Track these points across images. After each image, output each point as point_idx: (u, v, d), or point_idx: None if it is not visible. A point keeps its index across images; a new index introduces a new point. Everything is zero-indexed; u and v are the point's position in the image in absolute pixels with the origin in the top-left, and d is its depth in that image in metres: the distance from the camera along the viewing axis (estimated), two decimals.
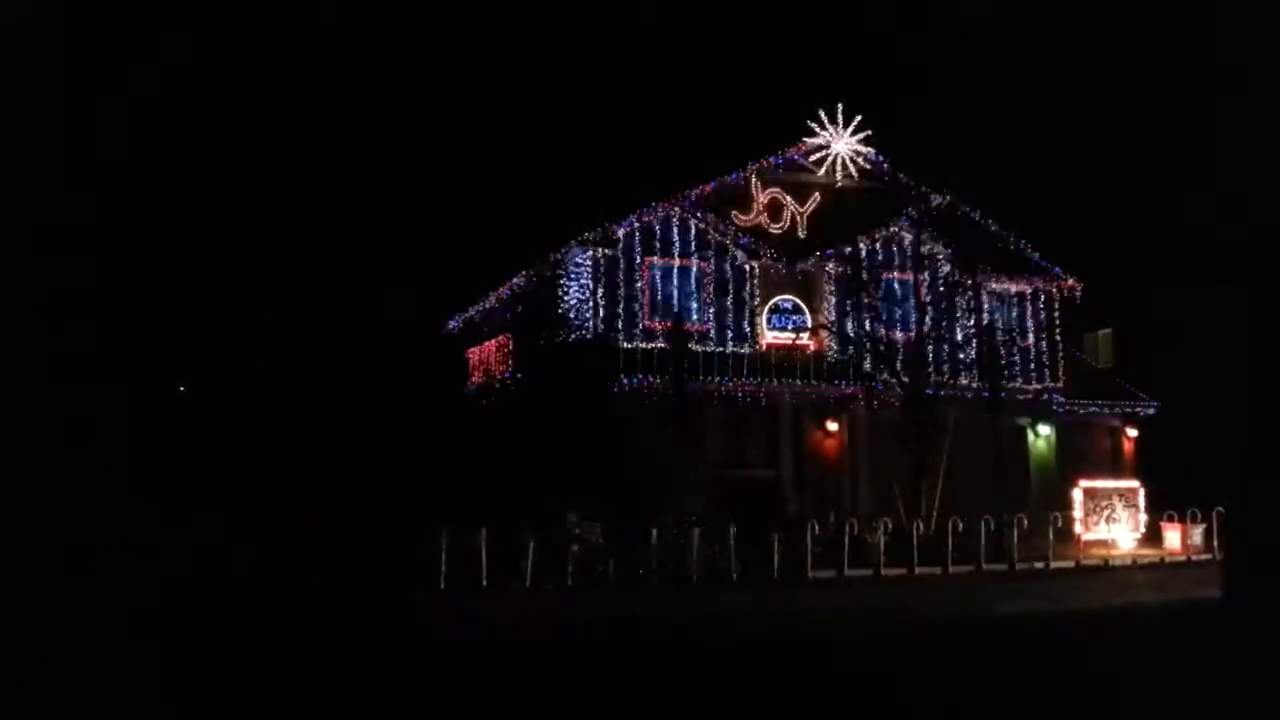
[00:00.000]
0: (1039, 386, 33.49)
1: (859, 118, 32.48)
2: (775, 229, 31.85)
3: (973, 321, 32.45)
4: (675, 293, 30.45)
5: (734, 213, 31.38)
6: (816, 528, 23.96)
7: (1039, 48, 27.15)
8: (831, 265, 31.46)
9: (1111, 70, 27.07)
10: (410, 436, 25.55)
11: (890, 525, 25.83)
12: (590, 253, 29.61)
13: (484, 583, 20.59)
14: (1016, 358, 32.94)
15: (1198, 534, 27.31)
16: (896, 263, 31.88)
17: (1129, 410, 34.57)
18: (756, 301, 31.22)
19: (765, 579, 22.18)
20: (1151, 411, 34.43)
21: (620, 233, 29.93)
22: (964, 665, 12.47)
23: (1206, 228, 26.23)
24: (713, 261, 30.90)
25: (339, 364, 27.36)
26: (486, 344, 33.16)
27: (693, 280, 30.66)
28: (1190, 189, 27.35)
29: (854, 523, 25.28)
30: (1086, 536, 28.18)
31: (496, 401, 27.87)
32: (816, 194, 32.42)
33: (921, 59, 28.07)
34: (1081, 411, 34.07)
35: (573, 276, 29.68)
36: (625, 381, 27.77)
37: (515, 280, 32.14)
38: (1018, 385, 32.71)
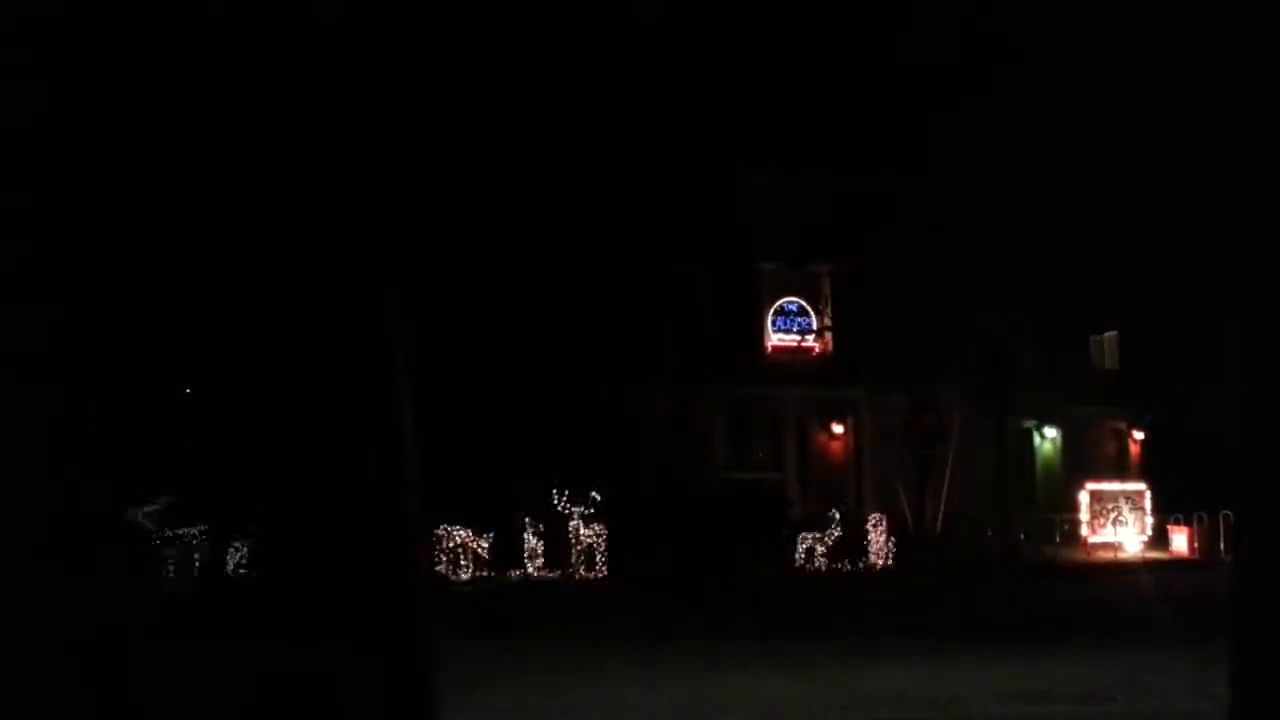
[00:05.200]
0: (1045, 389, 33.39)
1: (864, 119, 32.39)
2: (781, 230, 31.75)
3: (978, 323, 32.32)
4: (681, 295, 30.37)
5: (739, 214, 31.30)
6: (824, 530, 23.95)
7: (1043, 47, 27.06)
8: (836, 267, 31.41)
9: (1116, 69, 26.99)
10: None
11: (895, 527, 25.84)
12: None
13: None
14: (1022, 360, 32.83)
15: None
16: (901, 263, 31.78)
17: (1135, 412, 34.45)
18: (762, 303, 31.17)
19: (768, 580, 22.18)
20: (1158, 414, 34.31)
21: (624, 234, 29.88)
22: None
23: (1213, 229, 26.14)
24: (719, 264, 30.81)
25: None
26: None
27: (698, 282, 30.58)
28: (1198, 190, 27.28)
29: (858, 522, 25.26)
30: (1093, 539, 28.12)
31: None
32: (822, 195, 32.34)
33: (926, 56, 27.95)
34: (1088, 414, 33.95)
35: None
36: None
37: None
38: (1023, 388, 32.61)
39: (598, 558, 22.22)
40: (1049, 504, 30.90)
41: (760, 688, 10.70)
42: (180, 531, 21.21)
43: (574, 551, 22.21)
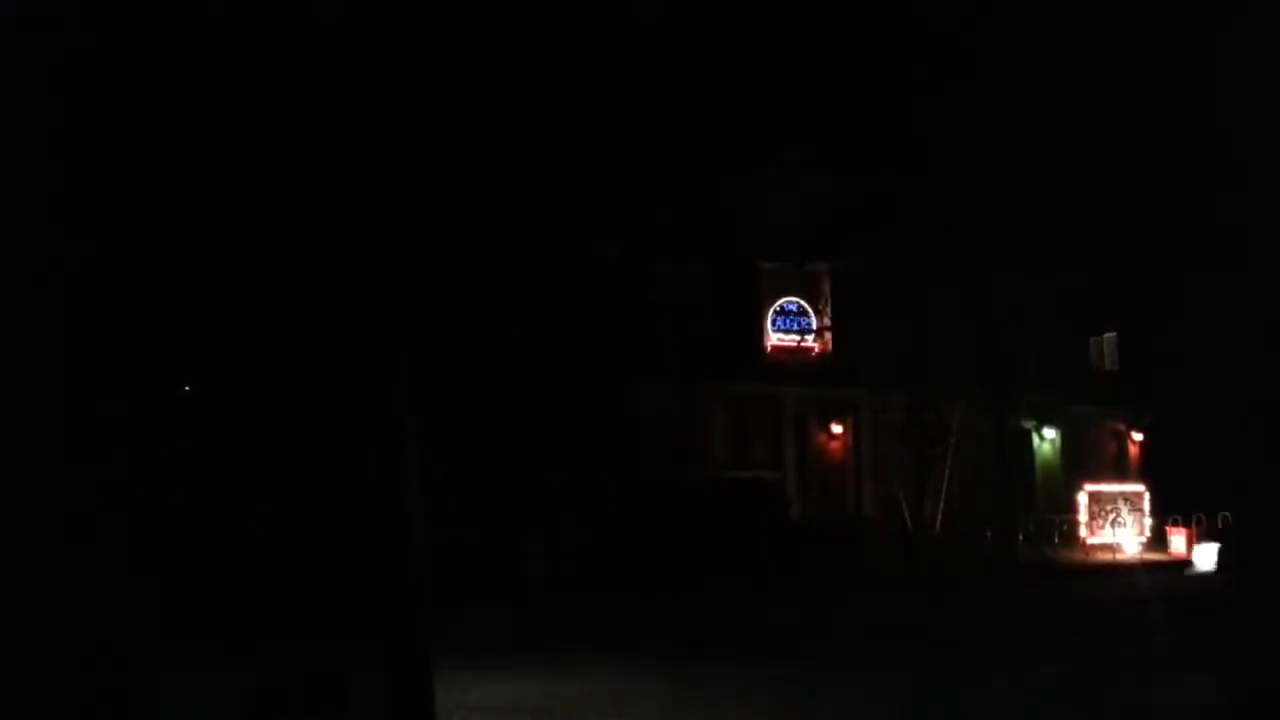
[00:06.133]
0: (1044, 389, 33.40)
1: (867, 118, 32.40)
2: (781, 230, 31.75)
3: (978, 323, 32.37)
4: (681, 294, 30.38)
5: (740, 214, 31.29)
6: (823, 530, 23.96)
7: (1043, 48, 27.05)
8: (836, 267, 31.44)
9: (1115, 70, 26.99)
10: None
11: (895, 527, 25.86)
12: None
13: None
14: (1022, 360, 32.86)
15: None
16: (901, 263, 31.79)
17: (1134, 413, 34.47)
18: (761, 303, 31.19)
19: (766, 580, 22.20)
20: (1156, 415, 34.32)
21: (627, 233, 29.90)
22: None
23: (1213, 229, 26.15)
24: (718, 263, 30.84)
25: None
26: None
27: (698, 282, 30.61)
28: (1198, 190, 27.29)
29: (858, 522, 25.29)
30: (1091, 540, 28.12)
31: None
32: (823, 195, 32.34)
33: (928, 55, 27.92)
34: (1087, 415, 33.97)
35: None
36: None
37: None
38: (1023, 388, 32.61)
39: (598, 558, 22.20)
40: (1048, 505, 30.89)
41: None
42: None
43: (575, 553, 22.17)
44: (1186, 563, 25.33)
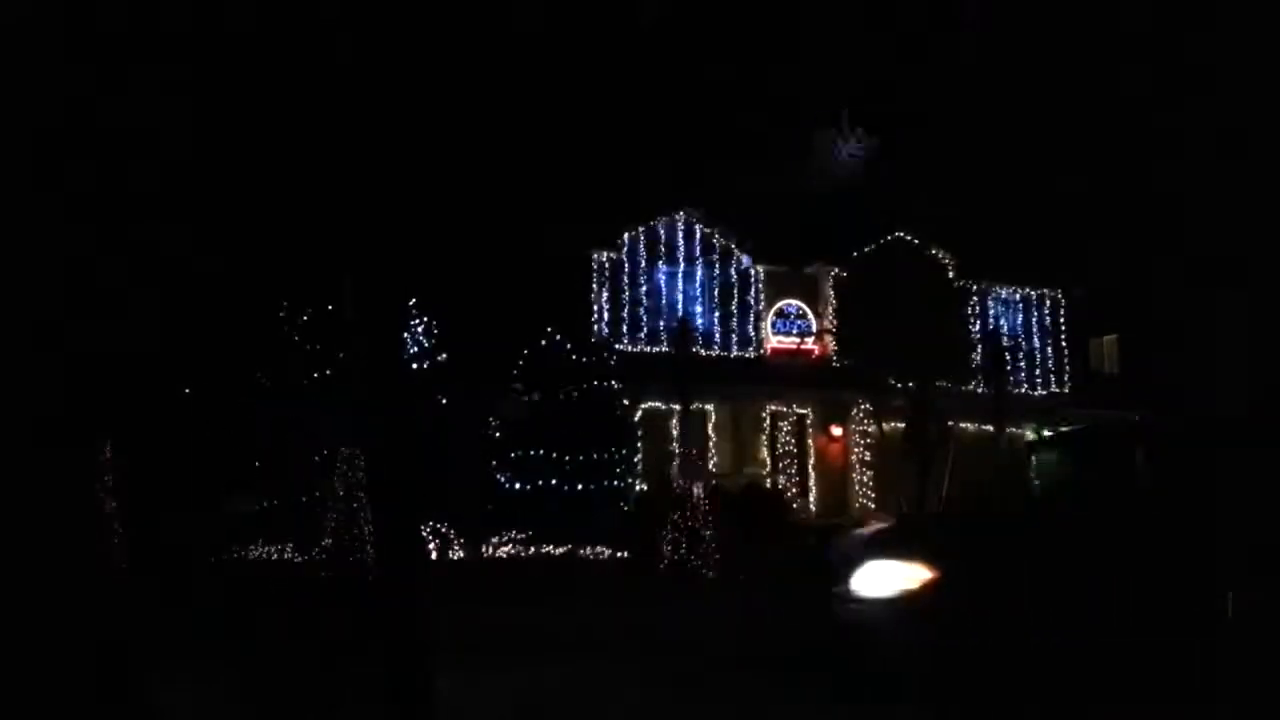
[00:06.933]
0: (1044, 393, 33.46)
1: (861, 129, 32.53)
2: (781, 232, 31.83)
3: (978, 327, 32.48)
4: (680, 297, 30.45)
5: (740, 216, 31.37)
6: (822, 533, 23.93)
7: (1041, 48, 27.15)
8: (836, 270, 31.50)
9: (1112, 70, 27.10)
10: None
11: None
12: (597, 257, 29.68)
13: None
14: (1022, 363, 32.94)
15: None
16: (900, 267, 31.89)
17: (1135, 416, 34.36)
18: (761, 306, 31.23)
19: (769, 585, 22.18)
20: (1157, 417, 34.19)
21: (626, 237, 29.97)
22: None
23: (1213, 231, 26.21)
24: (718, 266, 30.91)
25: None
26: None
27: (698, 285, 30.67)
28: (1197, 190, 27.36)
29: (859, 524, 25.25)
30: None
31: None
32: (823, 198, 32.40)
33: (924, 57, 28.05)
34: (1087, 418, 33.91)
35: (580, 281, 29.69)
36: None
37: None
38: (1023, 391, 32.66)
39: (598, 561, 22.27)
40: None
41: None
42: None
43: (576, 555, 22.23)
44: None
